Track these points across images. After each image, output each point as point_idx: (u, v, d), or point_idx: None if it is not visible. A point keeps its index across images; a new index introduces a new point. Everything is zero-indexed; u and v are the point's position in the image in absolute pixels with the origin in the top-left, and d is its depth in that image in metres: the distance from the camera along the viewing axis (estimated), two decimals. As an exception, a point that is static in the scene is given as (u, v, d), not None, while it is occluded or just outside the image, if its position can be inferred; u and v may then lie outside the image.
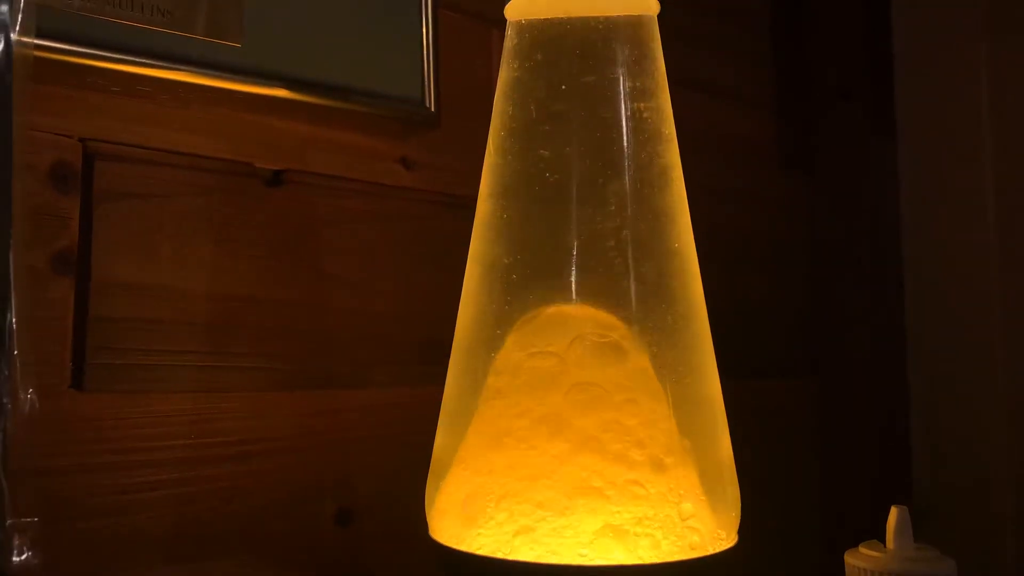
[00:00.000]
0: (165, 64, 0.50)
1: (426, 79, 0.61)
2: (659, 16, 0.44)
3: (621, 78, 0.41)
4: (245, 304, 0.55)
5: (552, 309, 0.39)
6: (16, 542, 0.36)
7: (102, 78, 0.49)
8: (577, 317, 0.39)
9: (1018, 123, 0.86)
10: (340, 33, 0.57)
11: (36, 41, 0.40)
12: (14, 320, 0.37)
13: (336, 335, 0.59)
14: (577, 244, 0.39)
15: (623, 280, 0.39)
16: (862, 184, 0.93)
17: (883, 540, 0.50)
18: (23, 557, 0.36)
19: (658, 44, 0.43)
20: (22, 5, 0.39)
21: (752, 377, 0.87)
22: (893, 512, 0.50)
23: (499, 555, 0.37)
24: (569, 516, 0.36)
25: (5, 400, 0.37)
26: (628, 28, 0.42)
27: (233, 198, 0.55)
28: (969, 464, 0.85)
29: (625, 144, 0.40)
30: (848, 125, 0.94)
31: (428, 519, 0.42)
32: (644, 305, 0.39)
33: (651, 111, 0.41)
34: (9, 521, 0.36)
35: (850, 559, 0.50)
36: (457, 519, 0.39)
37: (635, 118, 0.41)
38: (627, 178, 0.40)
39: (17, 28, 0.39)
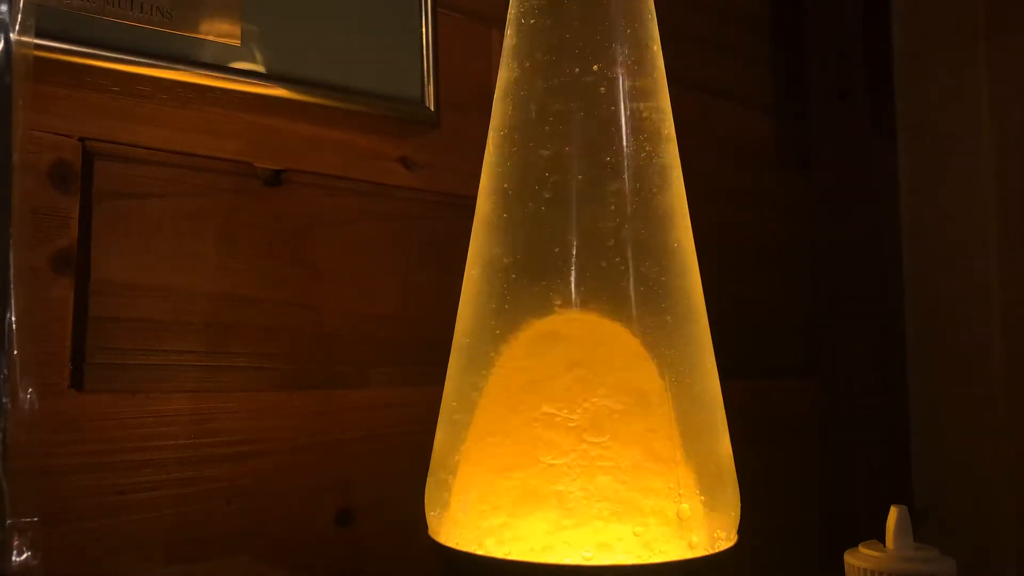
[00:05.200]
0: (165, 64, 0.50)
1: (426, 79, 0.61)
2: (659, 16, 0.44)
3: (621, 78, 0.41)
4: (245, 304, 0.55)
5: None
6: (16, 542, 0.36)
7: (102, 78, 0.49)
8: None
9: (1018, 123, 0.86)
10: (340, 33, 0.57)
11: (36, 41, 0.40)
12: (14, 320, 0.37)
13: (336, 335, 0.59)
14: (577, 244, 0.39)
15: (623, 280, 0.39)
16: (862, 184, 0.93)
17: (883, 540, 0.50)
18: (23, 557, 0.36)
19: (658, 44, 0.43)
20: (22, 5, 0.39)
21: (752, 377, 0.87)
22: (893, 512, 0.50)
23: (499, 555, 0.37)
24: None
25: (5, 400, 0.37)
26: (628, 28, 0.42)
27: (233, 198, 0.55)
28: (969, 464, 0.85)
29: (625, 144, 0.40)
30: (848, 125, 0.94)
31: (435, 524, 0.42)
32: (644, 305, 0.39)
33: (651, 111, 0.41)
34: (9, 521, 0.36)
35: (850, 559, 0.50)
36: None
37: (635, 118, 0.41)
38: (627, 178, 0.40)
39: (17, 28, 0.39)
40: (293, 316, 0.57)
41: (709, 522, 0.38)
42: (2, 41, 0.38)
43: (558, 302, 0.39)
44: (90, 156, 0.50)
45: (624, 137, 0.40)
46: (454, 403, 0.42)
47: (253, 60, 0.53)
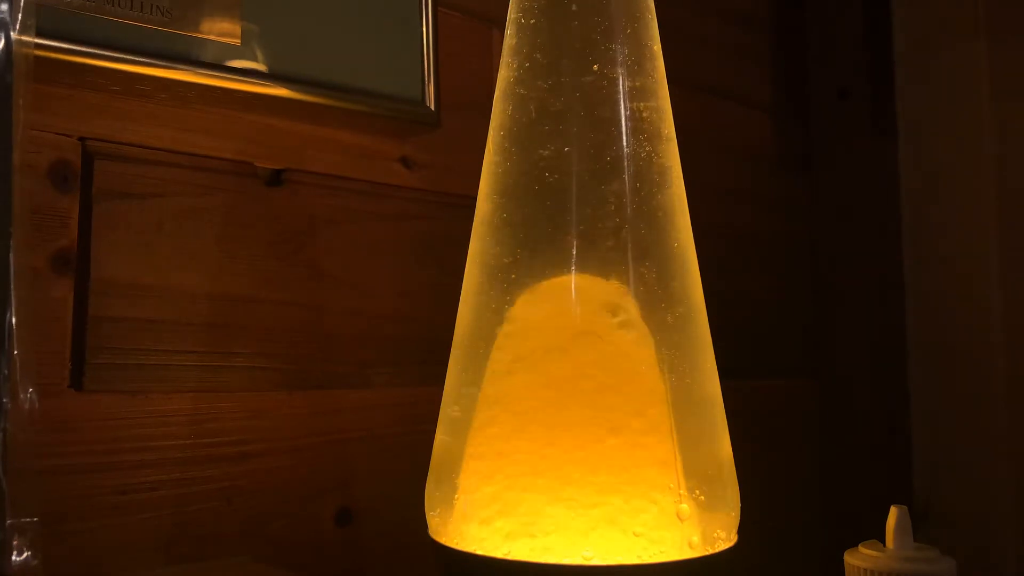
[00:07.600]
0: (165, 63, 0.50)
1: (426, 79, 0.61)
2: (659, 16, 0.44)
3: (621, 78, 0.41)
4: (245, 304, 0.55)
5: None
6: (16, 542, 0.36)
7: (102, 77, 0.49)
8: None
9: (1018, 123, 0.86)
10: (340, 33, 0.57)
11: (36, 40, 0.40)
12: (14, 320, 0.37)
13: (336, 335, 0.59)
14: (577, 244, 0.39)
15: (622, 281, 0.39)
16: (862, 184, 0.93)
17: (883, 540, 0.50)
18: (23, 557, 0.36)
19: (658, 44, 0.43)
20: (22, 4, 0.39)
21: (752, 377, 0.87)
22: (893, 512, 0.50)
23: (499, 554, 0.37)
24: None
25: (5, 400, 0.37)
26: (628, 27, 0.42)
27: (233, 198, 0.55)
28: (969, 464, 0.85)
29: (625, 144, 0.40)
30: (848, 125, 0.94)
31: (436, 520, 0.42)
32: (644, 305, 0.39)
33: (651, 111, 0.41)
34: (9, 521, 0.36)
35: (850, 559, 0.50)
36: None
37: (635, 118, 0.41)
38: (627, 178, 0.40)
39: (17, 27, 0.39)
40: (293, 316, 0.57)
41: (709, 522, 0.38)
42: (2, 41, 0.38)
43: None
44: (90, 156, 0.50)
45: (624, 137, 0.40)
46: (454, 403, 0.42)
47: (253, 59, 0.53)
